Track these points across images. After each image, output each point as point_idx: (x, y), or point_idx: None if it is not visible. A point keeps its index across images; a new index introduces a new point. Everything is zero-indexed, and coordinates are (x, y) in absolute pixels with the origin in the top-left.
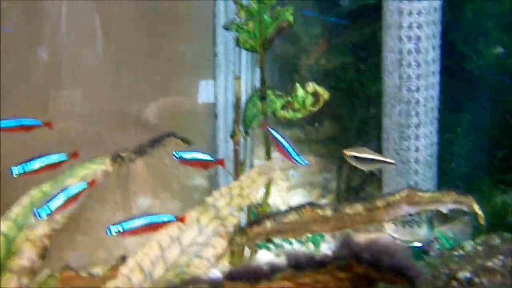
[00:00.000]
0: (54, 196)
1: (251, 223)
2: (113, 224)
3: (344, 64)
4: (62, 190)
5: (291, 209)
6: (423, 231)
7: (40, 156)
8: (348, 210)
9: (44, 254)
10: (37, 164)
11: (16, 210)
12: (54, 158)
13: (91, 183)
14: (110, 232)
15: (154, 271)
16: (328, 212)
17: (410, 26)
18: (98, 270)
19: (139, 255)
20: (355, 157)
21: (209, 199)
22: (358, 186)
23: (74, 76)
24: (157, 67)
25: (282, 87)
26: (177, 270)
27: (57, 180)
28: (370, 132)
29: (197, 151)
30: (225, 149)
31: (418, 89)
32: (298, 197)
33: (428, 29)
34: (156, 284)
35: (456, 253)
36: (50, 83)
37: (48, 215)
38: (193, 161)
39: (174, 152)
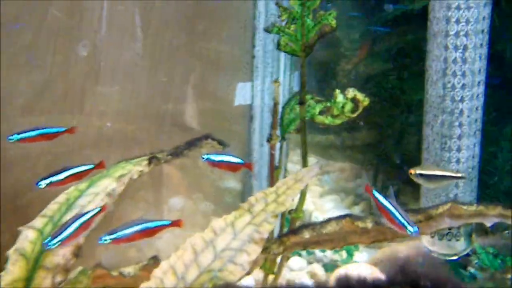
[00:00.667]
0: (67, 225)
1: (288, 232)
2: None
3: (385, 71)
4: (76, 218)
5: (331, 220)
6: (460, 245)
7: (66, 167)
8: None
9: (78, 252)
10: (63, 175)
11: (52, 207)
12: (80, 169)
13: (103, 208)
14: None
15: (187, 274)
16: (369, 225)
17: (457, 35)
18: (129, 270)
19: (172, 258)
20: (421, 174)
21: (245, 205)
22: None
23: (112, 74)
24: (195, 67)
25: (319, 92)
26: (211, 274)
27: (93, 180)
28: (409, 141)
29: (227, 154)
30: (259, 152)
31: (462, 100)
32: (331, 203)
33: (476, 38)
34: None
35: (509, 276)
36: (89, 80)
37: (59, 244)
38: (221, 163)
39: (203, 154)
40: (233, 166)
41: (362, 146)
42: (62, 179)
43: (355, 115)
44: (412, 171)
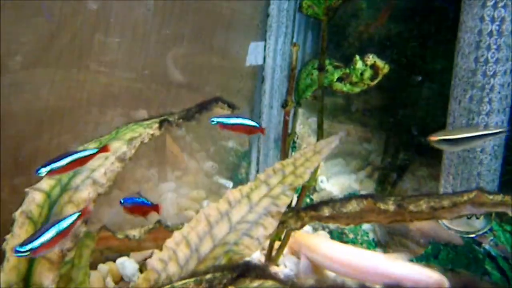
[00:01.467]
0: (44, 230)
1: (308, 207)
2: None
3: (407, 37)
4: (53, 224)
5: (352, 199)
6: (480, 223)
7: (69, 153)
8: (412, 207)
9: (87, 218)
10: (64, 161)
11: None
12: (83, 154)
13: (84, 212)
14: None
15: (201, 246)
16: (391, 207)
17: (495, 6)
18: (134, 233)
19: (185, 229)
20: (446, 140)
21: (261, 176)
22: (404, 164)
23: (121, 30)
24: (207, 24)
25: (335, 57)
26: (226, 248)
27: (102, 142)
28: (427, 112)
29: (239, 117)
30: (268, 115)
31: (494, 75)
32: (336, 168)
33: None
34: (203, 261)
35: None
36: (96, 35)
37: (32, 253)
38: (235, 126)
39: (213, 118)
40: (248, 128)
41: (371, 109)
42: (64, 165)
43: (374, 82)
44: (433, 138)
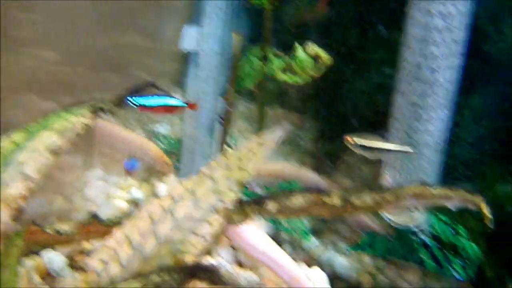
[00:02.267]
0: None
1: (250, 201)
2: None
3: (347, 25)
4: None
5: (296, 193)
6: (421, 215)
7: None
8: (356, 201)
9: (19, 215)
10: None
11: None
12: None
13: None
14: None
15: (144, 245)
16: (336, 201)
17: (443, 1)
18: (65, 228)
19: (127, 227)
20: (362, 146)
21: (205, 169)
22: (337, 152)
23: (47, 10)
24: (137, 5)
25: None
26: (171, 246)
27: (29, 130)
28: (362, 100)
29: (161, 96)
30: (203, 102)
31: (440, 70)
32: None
33: (461, 6)
34: (148, 261)
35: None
36: (20, 16)
37: None
38: (157, 107)
39: (129, 98)
40: (173, 108)
41: (303, 97)
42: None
43: (317, 74)
44: (350, 139)
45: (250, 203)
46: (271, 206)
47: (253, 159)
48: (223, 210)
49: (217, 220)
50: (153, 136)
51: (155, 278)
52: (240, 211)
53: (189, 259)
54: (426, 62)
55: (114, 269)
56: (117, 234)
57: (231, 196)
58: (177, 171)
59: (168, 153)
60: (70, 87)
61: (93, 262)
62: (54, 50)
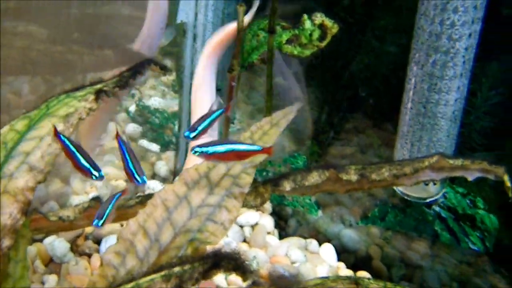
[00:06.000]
0: None
1: (267, 182)
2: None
3: None
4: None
5: (313, 171)
6: (436, 188)
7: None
8: (375, 176)
9: (27, 209)
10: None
11: None
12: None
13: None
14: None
15: (161, 235)
16: (353, 177)
17: None
18: (68, 213)
19: (141, 216)
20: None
21: None
22: (341, 123)
23: None
24: None
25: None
26: (189, 235)
27: (32, 118)
28: (369, 70)
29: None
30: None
31: (460, 38)
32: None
33: None
34: (166, 252)
35: None
36: None
37: None
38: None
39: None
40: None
41: (313, 69)
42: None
43: (323, 44)
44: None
45: (265, 183)
46: (286, 185)
47: (266, 140)
48: (240, 195)
49: (235, 206)
50: (147, 111)
51: (176, 269)
52: (255, 192)
53: (209, 249)
54: (445, 30)
55: (131, 262)
56: (132, 224)
57: (246, 179)
58: (176, 146)
59: (163, 127)
60: (67, 68)
61: (108, 256)
62: (50, 30)
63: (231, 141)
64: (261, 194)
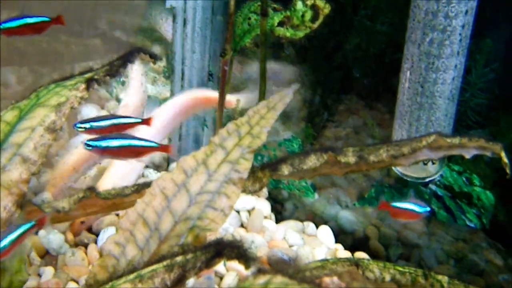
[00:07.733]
0: None
1: (265, 166)
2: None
3: None
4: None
5: (311, 154)
6: (435, 168)
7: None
8: (373, 158)
9: (21, 202)
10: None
11: None
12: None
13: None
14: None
15: (160, 224)
16: (351, 159)
17: None
18: (63, 205)
19: (140, 205)
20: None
21: (215, 138)
22: (334, 104)
23: None
24: None
25: None
26: (189, 223)
27: (22, 109)
28: (362, 50)
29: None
30: (191, 60)
31: (456, 16)
32: None
33: None
34: (166, 241)
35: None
36: None
37: None
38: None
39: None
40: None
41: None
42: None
43: (316, 25)
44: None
45: (263, 168)
46: (284, 169)
47: (263, 125)
48: (239, 180)
49: (234, 192)
50: None
51: (179, 259)
52: (253, 177)
53: (211, 237)
54: (441, 7)
55: (132, 252)
56: (130, 213)
57: (245, 165)
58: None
59: None
60: (54, 58)
61: (108, 246)
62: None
63: (128, 135)
64: (260, 179)
